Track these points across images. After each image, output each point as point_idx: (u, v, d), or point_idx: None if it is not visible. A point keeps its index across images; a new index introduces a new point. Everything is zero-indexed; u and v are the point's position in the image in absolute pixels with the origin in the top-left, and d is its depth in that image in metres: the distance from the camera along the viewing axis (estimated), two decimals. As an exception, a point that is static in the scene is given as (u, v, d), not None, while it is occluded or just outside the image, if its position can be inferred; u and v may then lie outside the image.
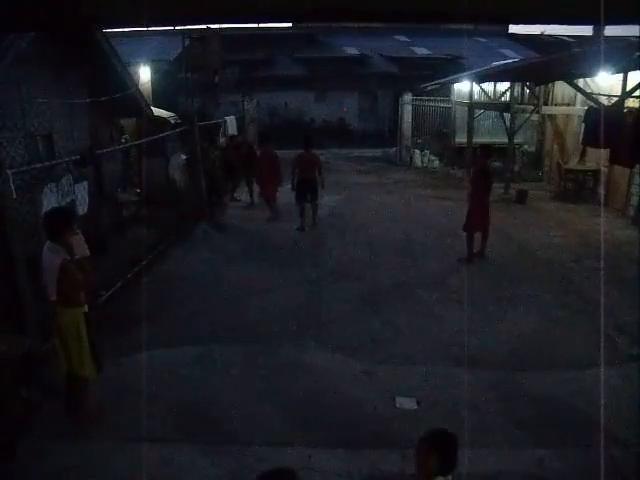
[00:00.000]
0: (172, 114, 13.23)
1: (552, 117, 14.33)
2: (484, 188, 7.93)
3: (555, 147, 14.24)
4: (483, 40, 27.84)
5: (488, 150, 8.34)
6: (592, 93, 10.44)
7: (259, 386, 4.76)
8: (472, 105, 15.46)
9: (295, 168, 9.86)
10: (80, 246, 4.11)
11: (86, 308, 4.19)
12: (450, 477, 2.53)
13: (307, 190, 9.81)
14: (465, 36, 26.14)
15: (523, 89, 14.28)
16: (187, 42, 19.97)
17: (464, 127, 16.13)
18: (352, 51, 27.04)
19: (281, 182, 10.68)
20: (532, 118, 14.06)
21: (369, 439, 3.98)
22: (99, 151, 8.30)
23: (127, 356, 5.18)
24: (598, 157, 11.05)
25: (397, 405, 4.48)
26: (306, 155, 9.85)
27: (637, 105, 9.09)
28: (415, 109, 18.45)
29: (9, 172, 5.04)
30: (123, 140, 11.27)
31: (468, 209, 8.03)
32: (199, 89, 18.39)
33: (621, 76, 9.60)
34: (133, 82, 9.98)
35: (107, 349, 5.35)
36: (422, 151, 17.94)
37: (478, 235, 8.07)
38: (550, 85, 13.89)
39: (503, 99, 15.04)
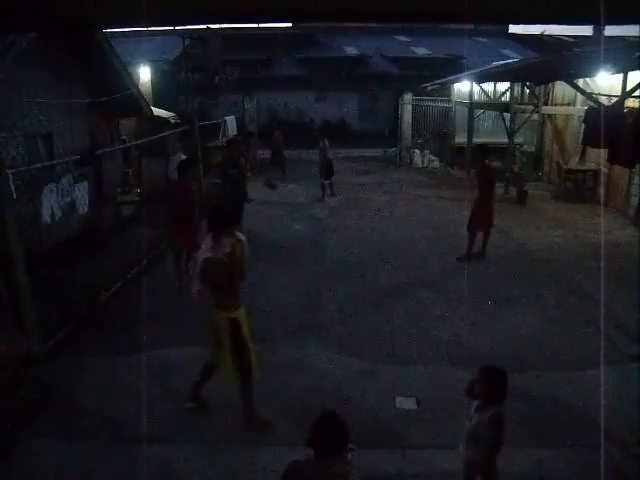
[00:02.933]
0: (172, 114, 13.24)
1: (552, 117, 14.33)
2: (488, 188, 7.96)
3: (555, 147, 14.24)
4: (483, 40, 27.86)
5: (484, 150, 8.34)
6: (592, 93, 10.43)
7: (259, 386, 4.76)
8: (472, 105, 15.46)
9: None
10: (239, 248, 3.96)
11: (237, 314, 4.00)
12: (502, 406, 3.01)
13: (329, 170, 12.62)
14: (465, 36, 26.15)
15: (523, 89, 14.29)
16: (187, 42, 19.99)
17: (464, 127, 16.13)
18: (352, 51, 27.05)
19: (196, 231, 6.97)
20: (532, 118, 14.06)
21: (369, 439, 3.98)
22: (99, 151, 8.33)
23: (127, 356, 5.18)
24: (598, 157, 11.05)
25: (397, 405, 4.48)
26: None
27: (637, 105, 9.09)
28: (415, 109, 18.46)
29: (9, 172, 5.05)
30: (124, 138, 11.27)
31: (472, 209, 8.05)
32: (199, 89, 18.40)
33: (621, 76, 9.60)
34: (133, 82, 9.98)
35: (107, 349, 5.39)
36: (422, 151, 17.95)
37: (476, 235, 8.08)
38: (550, 85, 13.89)
39: (503, 99, 15.04)
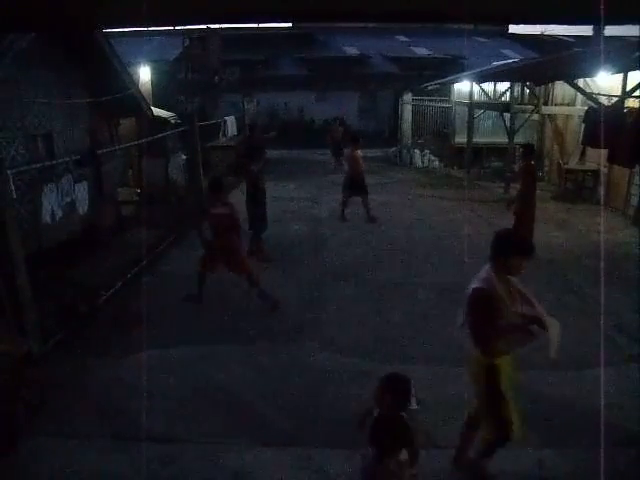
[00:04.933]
0: (172, 114, 13.25)
1: (552, 117, 14.34)
2: (532, 189, 8.04)
3: (555, 147, 14.25)
4: (483, 40, 27.89)
5: (531, 149, 8.47)
6: (592, 93, 10.44)
7: (259, 386, 4.76)
8: (472, 105, 15.46)
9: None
10: (516, 287, 3.28)
11: (499, 362, 3.31)
12: (404, 414, 2.82)
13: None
14: (465, 36, 26.18)
15: (523, 89, 14.29)
16: (187, 42, 20.02)
17: (464, 127, 16.14)
18: (352, 51, 27.07)
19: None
20: (532, 118, 14.07)
21: (369, 439, 3.98)
22: (99, 151, 8.33)
23: (127, 356, 5.18)
24: (598, 157, 11.05)
25: (397, 405, 4.48)
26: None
27: (637, 105, 9.09)
28: (415, 109, 18.47)
29: (9, 172, 5.05)
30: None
31: (516, 211, 8.11)
32: (199, 89, 18.41)
33: (621, 76, 9.60)
34: (133, 82, 9.98)
35: (107, 349, 5.39)
36: (422, 151, 17.95)
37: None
38: (550, 85, 13.89)
39: (503, 99, 15.05)
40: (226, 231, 6.15)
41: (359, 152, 10.50)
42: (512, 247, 3.21)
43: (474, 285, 3.20)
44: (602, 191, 11.52)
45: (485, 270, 3.27)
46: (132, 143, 10.60)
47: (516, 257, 3.18)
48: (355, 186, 10.39)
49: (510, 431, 3.28)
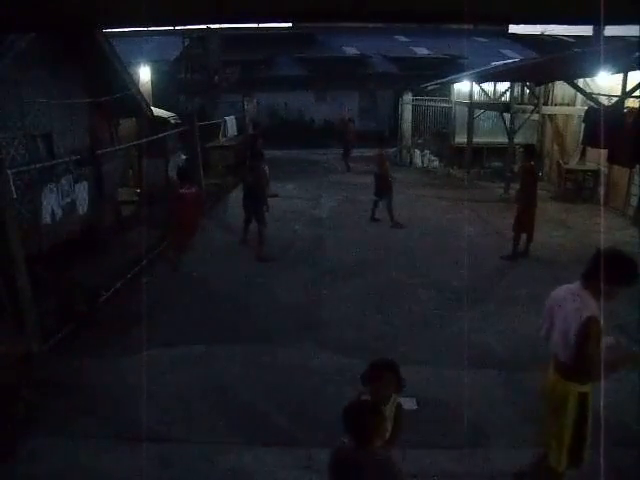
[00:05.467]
0: (172, 114, 13.24)
1: (552, 117, 14.34)
2: (532, 188, 8.15)
3: (555, 147, 14.24)
4: (483, 40, 27.87)
5: (532, 150, 8.62)
6: (592, 93, 10.44)
7: (259, 386, 4.77)
8: (472, 105, 15.46)
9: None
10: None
11: (589, 389, 3.15)
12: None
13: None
14: (465, 36, 26.19)
15: (523, 89, 14.29)
16: (187, 42, 20.00)
17: (464, 127, 16.13)
18: (352, 51, 27.07)
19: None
20: (532, 118, 14.07)
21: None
22: (99, 151, 8.33)
23: (127, 356, 5.18)
24: (598, 157, 11.05)
25: (397, 405, 4.47)
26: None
27: (637, 105, 9.09)
28: (415, 109, 18.46)
29: (9, 172, 5.05)
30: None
31: (517, 210, 8.25)
32: (199, 89, 18.41)
33: (621, 76, 9.60)
34: (133, 82, 9.97)
35: (107, 349, 5.39)
36: (422, 151, 17.95)
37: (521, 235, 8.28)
38: (550, 85, 13.89)
39: (503, 99, 15.04)
40: (192, 206, 7.76)
41: (385, 152, 10.87)
42: (624, 277, 2.92)
43: (588, 314, 2.92)
44: (602, 191, 11.52)
45: (585, 294, 3.03)
46: (132, 143, 10.60)
47: (622, 287, 2.94)
48: (382, 186, 10.50)
49: (585, 455, 3.22)
